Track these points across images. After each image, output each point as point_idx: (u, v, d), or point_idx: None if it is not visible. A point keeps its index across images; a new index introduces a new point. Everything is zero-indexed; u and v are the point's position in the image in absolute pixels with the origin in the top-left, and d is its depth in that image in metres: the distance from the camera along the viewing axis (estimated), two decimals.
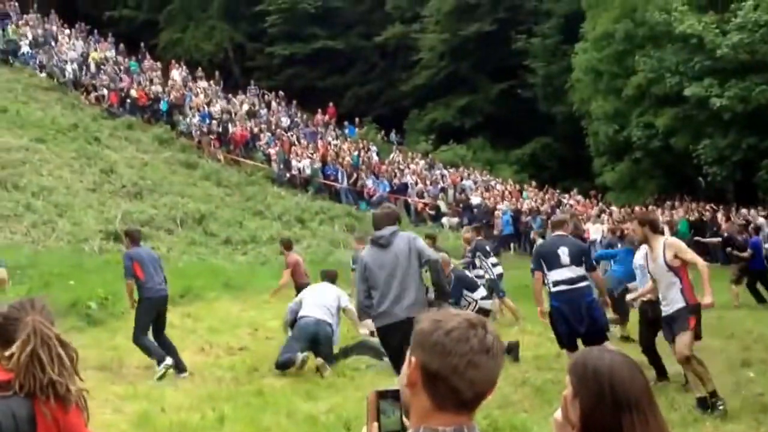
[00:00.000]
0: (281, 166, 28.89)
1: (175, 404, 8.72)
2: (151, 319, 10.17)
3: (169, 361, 9.84)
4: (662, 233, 8.50)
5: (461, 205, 27.04)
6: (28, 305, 3.00)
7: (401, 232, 7.68)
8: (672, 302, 7.56)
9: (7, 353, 2.87)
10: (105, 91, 31.65)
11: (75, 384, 2.90)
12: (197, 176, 26.90)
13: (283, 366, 10.03)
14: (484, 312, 10.18)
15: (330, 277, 11.09)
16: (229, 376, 10.30)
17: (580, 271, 8.48)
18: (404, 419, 1.91)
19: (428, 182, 28.87)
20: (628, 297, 9.64)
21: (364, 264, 7.52)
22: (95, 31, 38.98)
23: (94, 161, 25.08)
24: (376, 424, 1.89)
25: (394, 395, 1.91)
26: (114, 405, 8.64)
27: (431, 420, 1.89)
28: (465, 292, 10.22)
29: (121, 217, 20.78)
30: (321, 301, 10.36)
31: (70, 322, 11.86)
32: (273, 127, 32.36)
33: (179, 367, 10.17)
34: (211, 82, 36.29)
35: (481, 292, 10.44)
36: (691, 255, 7.61)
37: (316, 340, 10.17)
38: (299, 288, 11.50)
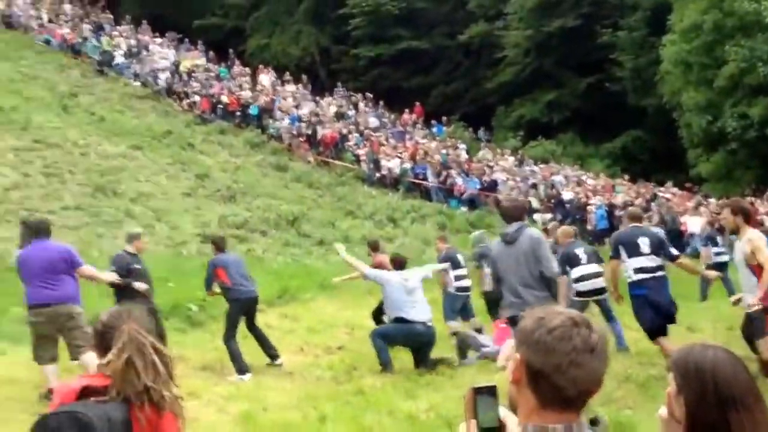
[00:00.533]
0: (371, 166, 29.03)
1: (277, 404, 8.85)
2: (238, 318, 10.64)
3: (246, 377, 10.12)
4: (760, 224, 8.21)
5: (553, 201, 26.69)
6: (125, 314, 3.09)
7: (527, 230, 7.74)
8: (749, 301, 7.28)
9: (104, 360, 2.96)
10: (197, 98, 32.34)
11: (170, 390, 2.97)
12: (288, 178, 27.27)
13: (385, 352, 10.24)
14: (589, 293, 10.15)
15: (401, 264, 11.15)
16: (328, 376, 10.41)
17: (659, 261, 8.56)
18: (502, 415, 1.89)
19: (518, 179, 28.60)
20: (732, 298, 9.35)
21: (493, 258, 7.68)
22: (185, 39, 39.89)
23: (189, 166, 25.65)
24: (474, 420, 1.88)
25: (490, 391, 1.90)
26: (218, 405, 8.81)
27: (537, 417, 1.89)
28: (567, 268, 10.18)
29: (217, 220, 21.20)
30: (422, 300, 10.46)
31: (171, 324, 12.13)
32: (361, 127, 32.55)
33: (272, 354, 10.76)
34: (299, 85, 36.71)
35: (580, 271, 10.28)
36: (763, 257, 7.14)
37: (428, 343, 10.30)
38: None
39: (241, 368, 10.20)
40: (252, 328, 10.89)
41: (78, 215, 20.19)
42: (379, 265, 12.45)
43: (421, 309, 10.38)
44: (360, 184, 28.35)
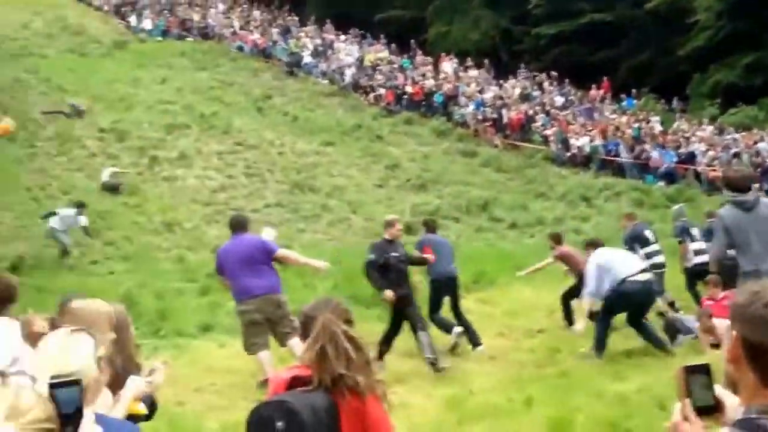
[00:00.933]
0: (560, 146, 28.49)
1: (482, 387, 8.91)
2: (440, 297, 11.02)
3: (458, 330, 10.63)
4: None
5: (759, 169, 25.17)
6: (322, 304, 3.28)
7: (763, 198, 7.48)
8: None
9: (303, 350, 3.17)
10: (382, 91, 32.93)
11: (368, 376, 3.05)
12: (477, 164, 27.24)
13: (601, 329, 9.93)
14: None
15: (598, 245, 10.83)
16: (530, 359, 10.37)
17: None
18: (717, 393, 1.86)
19: (719, 148, 27.15)
20: None
21: (724, 225, 7.31)
22: (368, 34, 40.69)
23: (379, 158, 26.22)
24: (687, 400, 1.84)
25: (703, 370, 1.86)
26: (424, 390, 8.98)
27: (762, 396, 1.80)
28: None
29: (410, 209, 21.53)
30: (628, 256, 10.20)
31: (373, 312, 12.44)
32: (547, 107, 32.02)
33: (475, 341, 10.83)
34: (481, 70, 36.57)
35: None
36: None
37: (644, 303, 10.02)
38: (580, 275, 11.17)
39: (448, 328, 10.71)
40: (456, 314, 11.08)
41: (279, 212, 21.18)
42: (563, 257, 12.38)
43: (631, 263, 10.05)
44: (550, 164, 27.86)
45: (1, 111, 26.42)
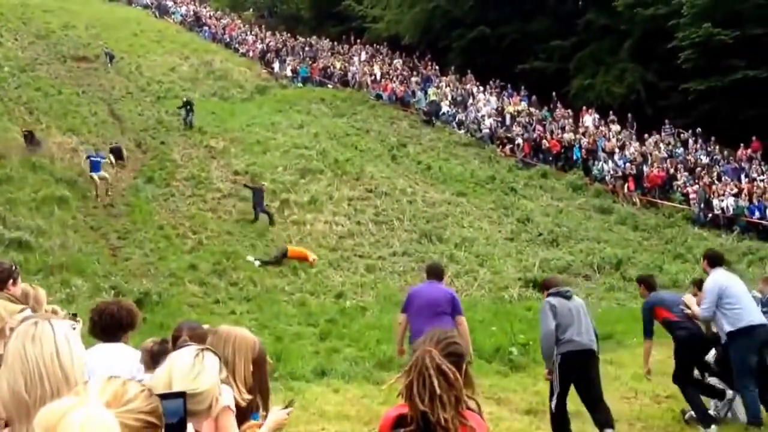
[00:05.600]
0: (701, 206, 27.28)
1: None
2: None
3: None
4: None
5: None
6: (429, 337, 3.04)
7: None
8: None
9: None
10: (519, 142, 32.56)
11: (457, 415, 2.79)
12: (613, 221, 26.42)
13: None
14: None
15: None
16: (657, 425, 9.74)
17: None
18: None
19: None
20: None
21: None
22: (509, 85, 40.40)
23: (511, 211, 25.80)
24: None
25: None
26: None
27: None
28: None
29: (539, 264, 20.99)
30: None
31: (493, 368, 12.12)
32: (691, 165, 30.78)
33: None
34: (624, 124, 35.64)
35: None
36: None
37: None
38: None
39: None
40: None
41: (404, 261, 21.04)
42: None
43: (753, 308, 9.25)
44: (690, 225, 26.68)
45: (140, 151, 27.57)
